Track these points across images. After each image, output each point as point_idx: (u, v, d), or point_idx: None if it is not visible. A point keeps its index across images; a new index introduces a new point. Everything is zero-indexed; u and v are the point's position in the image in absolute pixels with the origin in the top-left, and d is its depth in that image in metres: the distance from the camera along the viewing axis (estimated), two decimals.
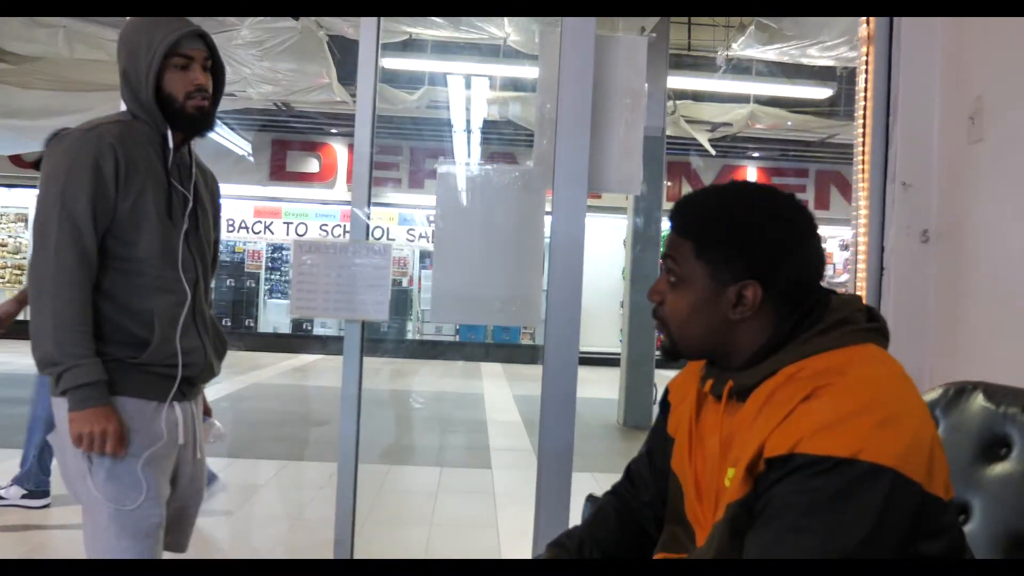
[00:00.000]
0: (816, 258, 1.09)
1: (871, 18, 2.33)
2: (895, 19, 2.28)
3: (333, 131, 11.83)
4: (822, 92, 7.65)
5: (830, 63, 6.66)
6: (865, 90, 2.32)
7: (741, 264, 1.06)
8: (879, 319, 1.10)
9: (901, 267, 2.25)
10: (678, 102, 7.86)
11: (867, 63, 2.33)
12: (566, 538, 1.30)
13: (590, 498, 1.61)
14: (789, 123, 7.91)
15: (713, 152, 9.39)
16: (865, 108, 2.31)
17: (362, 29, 2.41)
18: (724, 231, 1.08)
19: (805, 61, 6.63)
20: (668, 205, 9.28)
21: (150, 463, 1.67)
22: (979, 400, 1.53)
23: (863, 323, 1.07)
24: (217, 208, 1.91)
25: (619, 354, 7.18)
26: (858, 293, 2.35)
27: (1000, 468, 1.42)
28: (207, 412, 1.95)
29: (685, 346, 1.13)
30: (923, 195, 2.21)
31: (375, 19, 2.39)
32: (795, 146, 10.85)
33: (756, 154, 12.06)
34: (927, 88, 2.22)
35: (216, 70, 1.78)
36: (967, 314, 2.09)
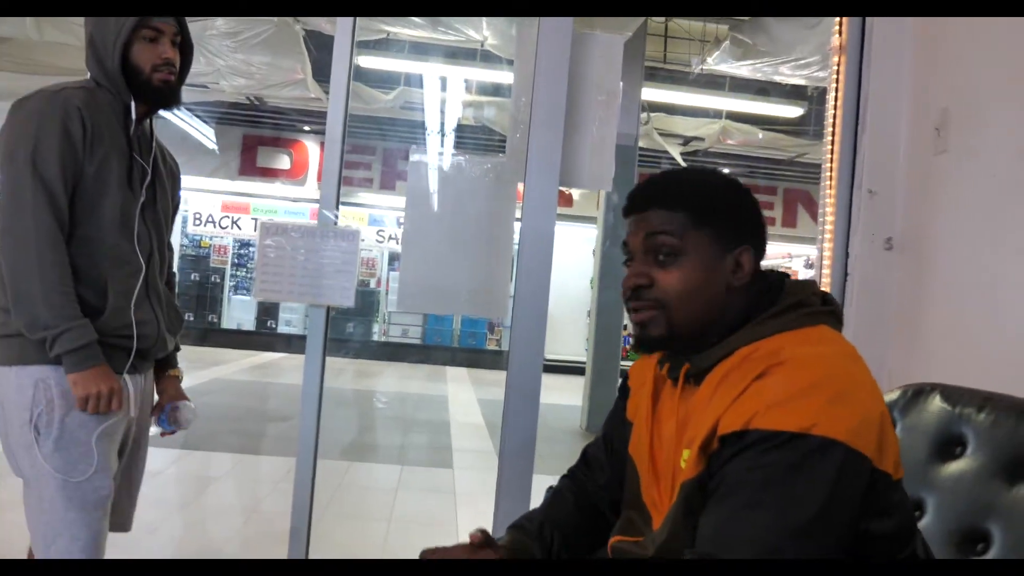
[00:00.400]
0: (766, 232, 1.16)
1: (843, 28, 2.37)
2: (867, 31, 2.32)
3: (305, 128, 11.73)
4: (793, 111, 7.78)
5: (802, 82, 6.78)
6: (835, 99, 2.36)
7: (736, 230, 1.09)
8: (832, 303, 1.12)
9: (865, 273, 2.29)
10: (652, 114, 7.93)
11: (838, 72, 2.37)
12: (526, 521, 1.30)
13: (550, 489, 1.61)
14: (760, 135, 8.03)
15: (684, 165, 9.49)
16: (835, 117, 2.35)
17: (338, 25, 2.40)
18: (718, 199, 1.11)
19: (777, 79, 6.73)
20: None
21: (102, 436, 1.64)
22: (936, 401, 1.55)
23: (817, 305, 1.09)
24: (176, 187, 1.91)
25: (584, 363, 7.21)
26: None
27: (954, 466, 1.45)
28: (181, 396, 1.93)
29: (684, 325, 1.09)
30: (888, 203, 2.25)
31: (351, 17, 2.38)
32: (765, 164, 11.00)
33: (726, 170, 12.19)
34: (895, 98, 2.26)
35: (184, 47, 1.77)
36: (928, 319, 2.13)
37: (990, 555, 1.29)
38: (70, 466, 1.60)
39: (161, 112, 1.80)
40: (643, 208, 1.12)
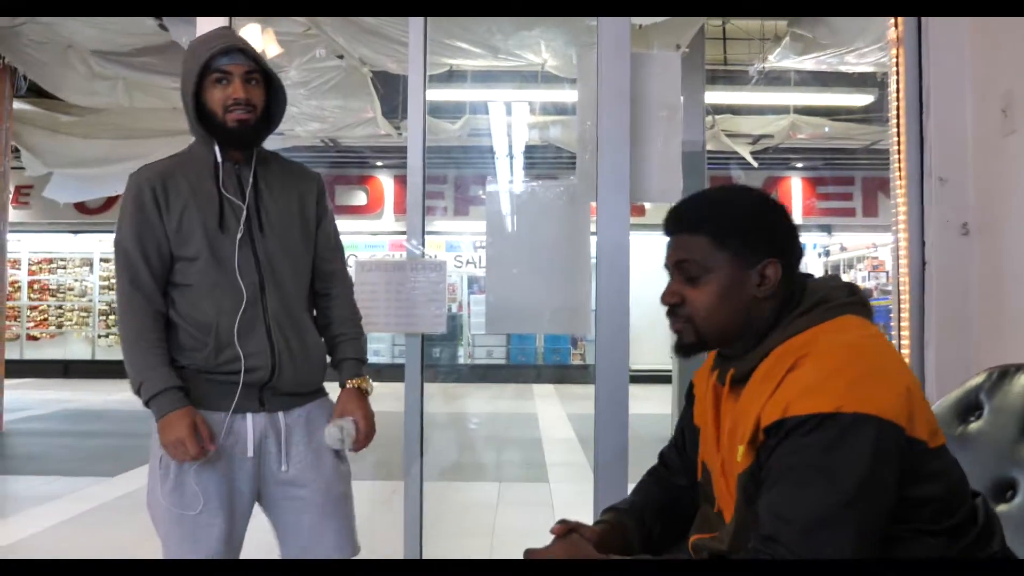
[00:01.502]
0: (798, 238, 1.23)
1: (899, 21, 2.40)
2: (922, 20, 2.34)
3: (378, 164, 12.12)
4: (863, 99, 7.62)
5: (869, 69, 6.66)
6: (897, 91, 2.38)
7: (760, 246, 1.18)
8: (858, 293, 1.21)
9: (942, 260, 2.30)
10: (717, 116, 7.91)
11: (898, 64, 2.40)
12: (621, 504, 1.41)
13: None
14: (827, 129, 7.88)
15: (755, 164, 9.39)
16: (898, 108, 2.38)
17: (410, 63, 2.54)
18: (738, 219, 1.19)
19: (843, 69, 6.63)
20: None
21: (209, 474, 1.71)
22: (1022, 381, 1.57)
23: (842, 298, 1.17)
24: (306, 209, 1.87)
25: (670, 370, 7.19)
26: (901, 288, 2.40)
27: None
28: (347, 413, 1.84)
29: (712, 334, 1.21)
30: (960, 189, 2.26)
31: (421, 49, 2.52)
32: (839, 154, 10.76)
33: (799, 164, 11.98)
34: (958, 84, 2.27)
35: (268, 82, 1.78)
36: (1009, 301, 2.13)
37: None
38: (182, 503, 1.70)
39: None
40: (673, 231, 1.24)
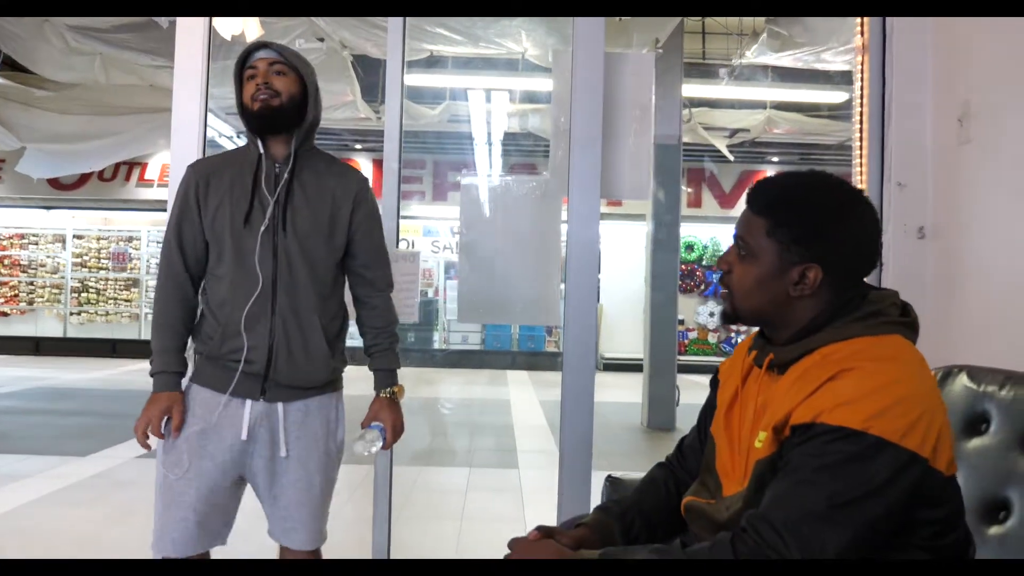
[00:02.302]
0: (872, 251, 1.23)
1: (865, 29, 2.47)
2: (887, 29, 2.42)
3: (358, 147, 12.07)
4: (838, 96, 7.73)
5: (844, 67, 6.76)
6: (861, 97, 2.46)
7: (808, 248, 1.19)
8: (911, 314, 1.23)
9: (899, 262, 2.38)
10: (695, 109, 7.98)
11: (862, 71, 2.47)
12: (613, 504, 1.45)
13: (609, 478, 1.77)
14: (783, 123, 8.00)
15: (731, 158, 9.49)
16: (861, 114, 2.45)
17: (389, 48, 2.58)
18: (797, 215, 1.20)
19: (819, 66, 6.73)
20: (686, 211, 9.41)
21: (197, 446, 1.85)
22: (963, 381, 1.67)
23: (895, 316, 1.20)
24: (338, 213, 1.92)
25: (642, 359, 7.29)
26: None
27: (980, 441, 1.55)
28: (378, 420, 1.96)
29: (744, 312, 1.27)
30: (918, 194, 2.35)
31: (400, 39, 2.56)
32: (814, 149, 10.89)
33: (775, 158, 12.11)
34: (919, 93, 2.36)
35: (298, 72, 1.87)
36: (960, 304, 2.22)
37: (1011, 522, 1.40)
38: (167, 465, 1.86)
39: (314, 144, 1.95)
40: (747, 203, 1.27)
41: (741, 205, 1.31)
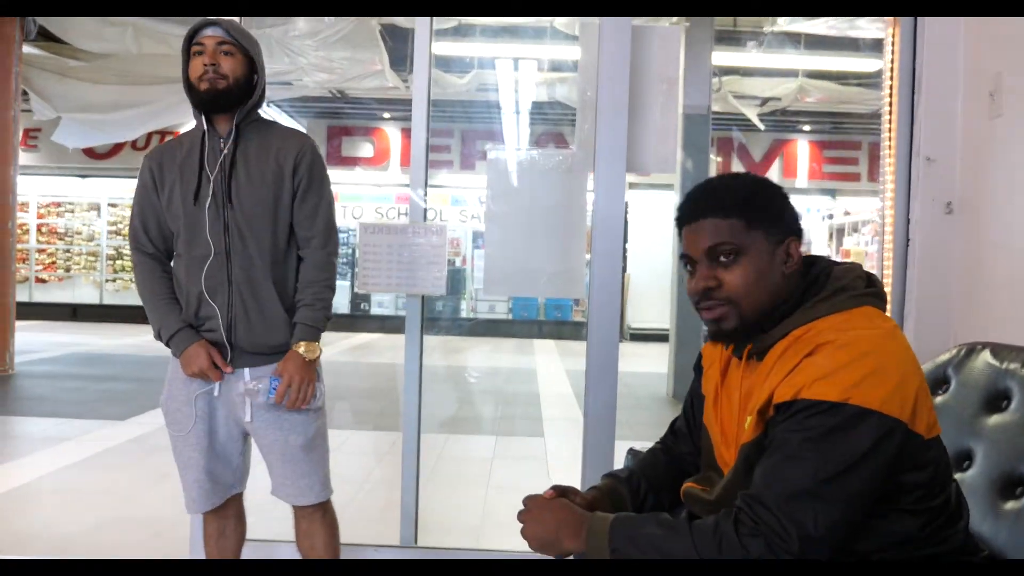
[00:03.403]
0: None
1: None
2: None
3: (386, 116, 12.10)
4: (872, 64, 7.58)
5: (879, 34, 6.63)
6: (892, 69, 2.43)
7: (780, 225, 1.25)
8: (877, 284, 1.27)
9: (926, 238, 2.37)
10: (724, 78, 7.88)
11: (893, 44, 2.44)
12: (620, 471, 1.51)
13: (631, 451, 1.81)
14: (816, 92, 7.86)
15: (762, 127, 9.37)
16: (892, 87, 2.43)
17: (417, 19, 2.59)
18: (762, 200, 1.26)
19: (853, 33, 6.61)
20: None
21: (193, 410, 1.99)
22: (985, 358, 1.67)
23: (861, 289, 1.24)
24: (281, 178, 1.96)
25: (668, 330, 7.30)
26: (886, 263, 2.48)
27: (1001, 418, 1.57)
28: (278, 372, 1.96)
29: (754, 314, 1.24)
30: (947, 169, 2.33)
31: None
32: (846, 119, 10.72)
33: (807, 127, 11.94)
34: (950, 66, 2.32)
35: (246, 54, 1.93)
36: (988, 280, 2.21)
37: None
38: (173, 434, 2.04)
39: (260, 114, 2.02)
40: (696, 218, 1.28)
41: (771, 174, 1.35)
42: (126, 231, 12.64)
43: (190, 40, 1.91)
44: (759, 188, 1.28)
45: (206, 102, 1.90)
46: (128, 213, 12.72)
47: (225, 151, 1.94)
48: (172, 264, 2.03)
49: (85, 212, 13.03)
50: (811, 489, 1.08)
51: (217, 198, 1.92)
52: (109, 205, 12.87)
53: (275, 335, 1.97)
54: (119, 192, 12.80)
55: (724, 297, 1.24)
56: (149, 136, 11.72)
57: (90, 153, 11.88)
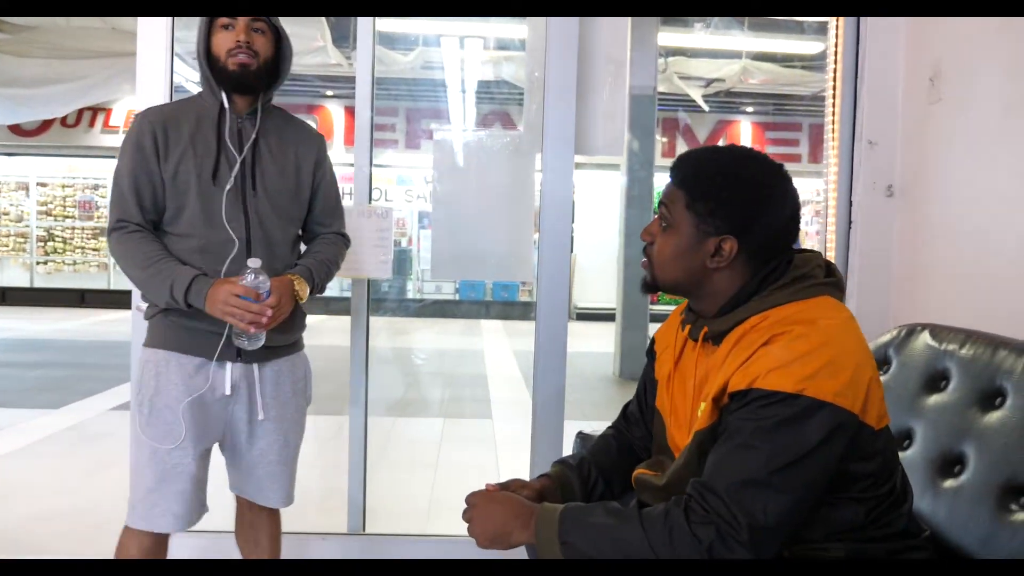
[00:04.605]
0: (790, 224, 1.25)
1: None
2: None
3: (328, 93, 11.85)
4: (814, 46, 7.71)
5: (820, 18, 6.72)
6: (835, 55, 2.46)
7: (722, 220, 1.22)
8: (836, 274, 1.28)
9: (868, 220, 2.42)
10: (670, 59, 7.92)
11: (837, 29, 2.47)
12: (570, 458, 1.51)
13: (579, 435, 1.81)
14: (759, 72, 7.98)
15: (706, 108, 9.46)
16: (835, 72, 2.46)
17: None
18: (713, 188, 1.23)
19: (795, 16, 6.69)
20: (661, 161, 9.44)
21: (187, 414, 1.79)
22: (925, 339, 1.71)
23: (820, 278, 1.24)
24: (301, 171, 1.91)
25: (614, 309, 7.36)
26: (829, 244, 2.53)
27: (939, 398, 1.61)
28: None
29: (663, 283, 1.29)
30: (888, 152, 2.37)
31: None
32: (789, 100, 10.90)
33: (750, 109, 12.10)
34: (891, 51, 2.36)
35: (276, 34, 1.83)
36: (927, 262, 2.26)
37: (965, 476, 1.46)
38: (159, 437, 1.78)
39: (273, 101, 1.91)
40: (671, 175, 1.29)
41: None
42: (57, 211, 12.27)
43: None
44: (725, 175, 1.24)
45: (234, 81, 1.78)
46: (60, 193, 12.30)
47: (252, 135, 1.82)
48: (169, 245, 1.79)
49: (13, 192, 12.51)
50: (762, 479, 1.09)
51: (241, 182, 1.79)
52: (38, 184, 12.38)
53: (293, 329, 1.91)
54: (49, 171, 12.31)
55: (650, 255, 1.30)
56: (80, 112, 11.29)
57: (16, 130, 11.38)
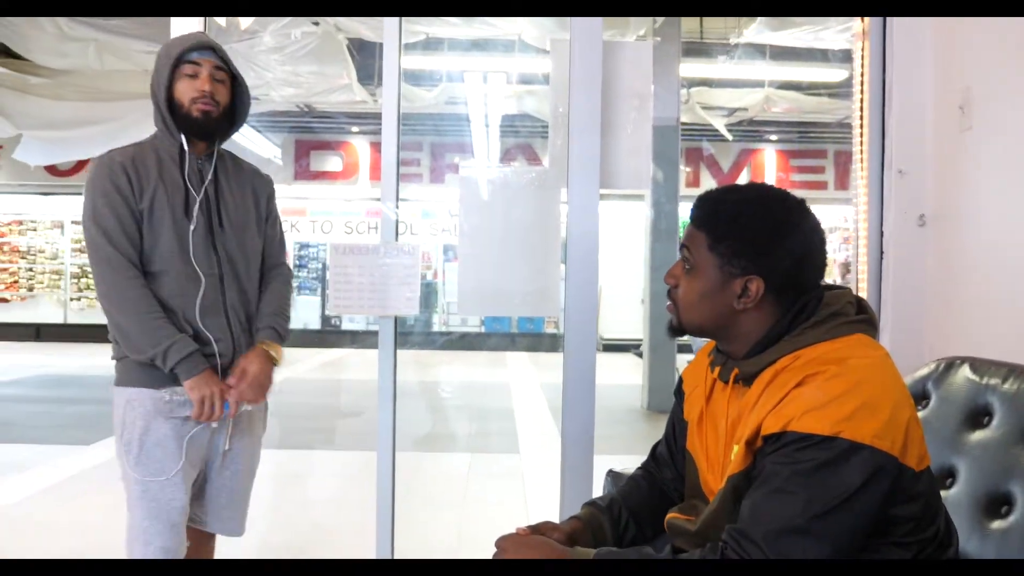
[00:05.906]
0: (817, 259, 1.23)
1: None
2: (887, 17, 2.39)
3: (354, 130, 12.01)
4: (838, 74, 7.68)
5: (844, 45, 6.71)
6: (861, 84, 2.44)
7: (748, 260, 1.20)
8: (867, 310, 1.24)
9: (899, 251, 2.38)
10: (692, 89, 7.94)
11: (863, 57, 2.45)
12: (599, 499, 1.48)
13: (610, 473, 1.78)
14: (780, 102, 7.97)
15: (730, 137, 9.46)
16: (862, 100, 2.44)
17: (385, 32, 2.55)
18: (735, 228, 1.21)
19: (818, 45, 6.68)
20: (685, 192, 9.43)
21: (174, 449, 1.85)
22: (965, 373, 1.66)
23: (852, 315, 1.21)
24: (258, 200, 2.03)
25: (641, 340, 7.31)
26: (860, 276, 2.48)
27: (982, 434, 1.55)
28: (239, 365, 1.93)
29: (690, 326, 1.27)
30: (918, 181, 2.34)
31: (396, 21, 2.54)
32: (813, 128, 10.85)
33: (774, 137, 12.07)
34: (919, 79, 2.34)
35: (233, 82, 1.94)
36: (962, 292, 2.22)
37: (1013, 517, 1.41)
38: (148, 477, 1.84)
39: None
40: (691, 216, 1.28)
41: (740, 183, 1.30)
42: None
43: (179, 57, 1.85)
44: (747, 214, 1.21)
45: (198, 127, 1.87)
46: None
47: (210, 174, 1.92)
48: (150, 284, 1.85)
49: (48, 230, 12.78)
50: (801, 525, 1.05)
51: (205, 219, 1.89)
52: (72, 223, 12.62)
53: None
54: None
55: (675, 299, 1.28)
56: None
57: (52, 170, 11.63)
